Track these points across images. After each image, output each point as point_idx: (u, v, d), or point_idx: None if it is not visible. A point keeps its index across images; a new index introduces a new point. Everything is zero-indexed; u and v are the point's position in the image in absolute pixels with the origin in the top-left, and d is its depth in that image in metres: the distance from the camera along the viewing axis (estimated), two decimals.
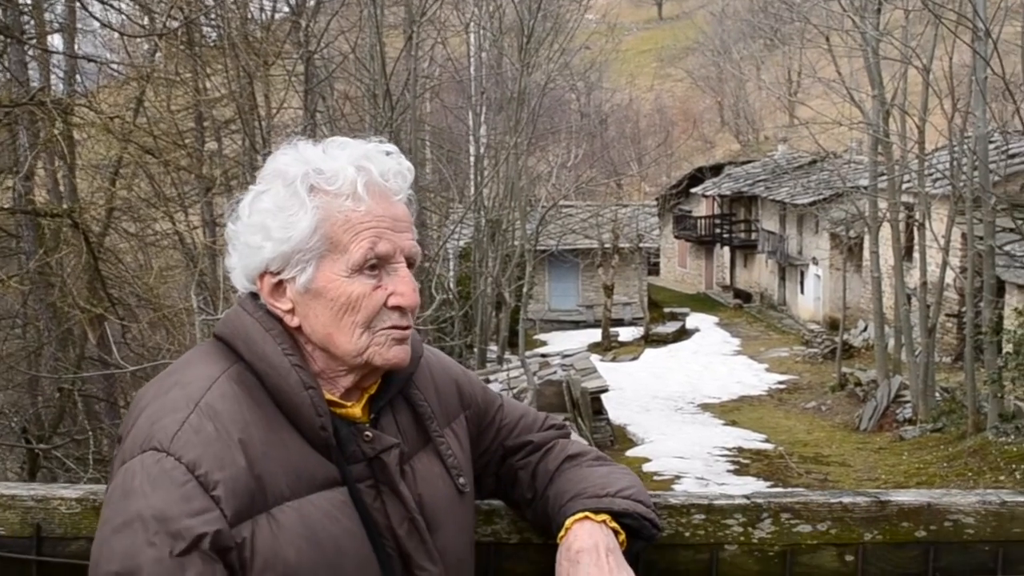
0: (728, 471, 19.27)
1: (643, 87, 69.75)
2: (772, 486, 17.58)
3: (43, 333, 11.65)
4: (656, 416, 25.96)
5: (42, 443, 9.71)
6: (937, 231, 23.41)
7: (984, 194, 19.87)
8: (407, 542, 1.63)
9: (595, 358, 29.81)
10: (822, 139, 29.34)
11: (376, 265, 1.60)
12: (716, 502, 1.90)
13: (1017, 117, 20.13)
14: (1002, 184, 22.69)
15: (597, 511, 1.71)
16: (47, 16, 13.23)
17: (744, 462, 20.10)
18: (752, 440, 22.57)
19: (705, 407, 27.86)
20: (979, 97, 19.73)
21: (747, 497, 1.91)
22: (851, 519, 1.88)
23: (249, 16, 14.82)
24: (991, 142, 21.64)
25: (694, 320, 42.02)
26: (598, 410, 22.40)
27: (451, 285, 24.63)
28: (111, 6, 12.72)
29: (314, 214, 1.59)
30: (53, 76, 13.46)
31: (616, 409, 24.51)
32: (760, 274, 46.93)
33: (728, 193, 47.95)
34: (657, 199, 51.29)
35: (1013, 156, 24.38)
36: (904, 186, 26.03)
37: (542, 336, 39.86)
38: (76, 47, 14.23)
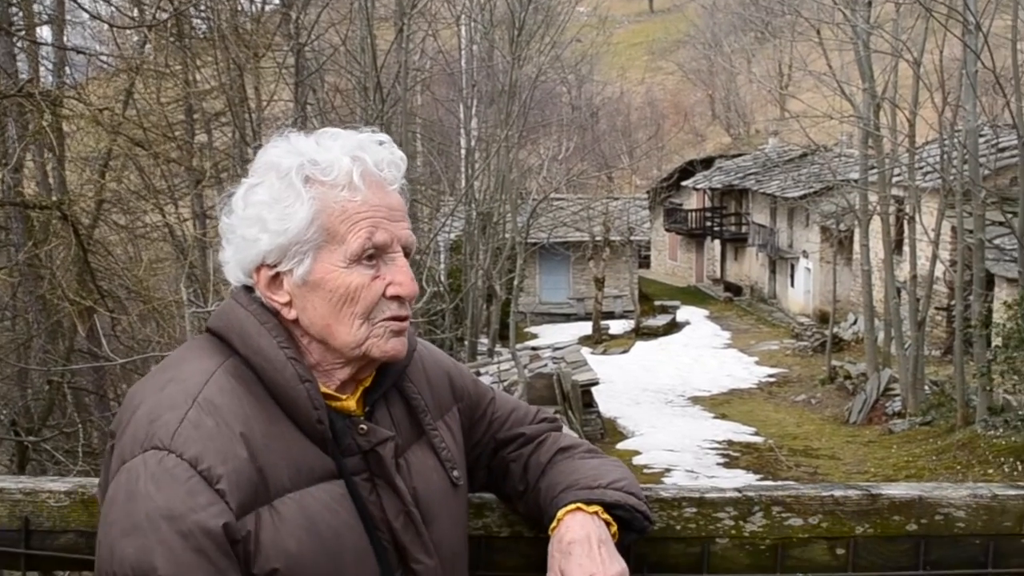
0: (718, 464, 19.32)
1: (634, 80, 69.73)
2: (762, 479, 17.63)
3: (32, 325, 11.60)
4: (646, 409, 26.01)
5: (31, 436, 9.67)
6: (927, 224, 23.47)
7: (974, 187, 19.94)
8: (403, 535, 1.63)
9: (586, 351, 29.81)
10: (813, 132, 29.38)
11: (374, 255, 1.60)
12: (707, 495, 1.90)
13: (1007, 111, 20.20)
14: (992, 178, 22.77)
15: (589, 502, 1.71)
16: (36, 7, 13.16)
17: (734, 455, 20.16)
18: (742, 433, 22.63)
19: (695, 400, 27.92)
20: (969, 91, 19.79)
21: (738, 490, 1.91)
22: (842, 513, 1.88)
23: (239, 8, 14.77)
24: (981, 136, 21.73)
25: (684, 313, 42.09)
26: (588, 403, 22.44)
27: (442, 278, 24.61)
28: None
29: (311, 205, 1.58)
30: (42, 68, 13.40)
31: (606, 402, 24.55)
32: (750, 267, 47.00)
33: (719, 186, 47.99)
34: (648, 192, 51.30)
35: (1003, 150, 24.46)
36: (894, 179, 26.10)
37: (533, 329, 39.88)
38: (65, 39, 14.17)
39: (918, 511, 1.88)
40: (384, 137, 1.68)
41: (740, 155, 52.25)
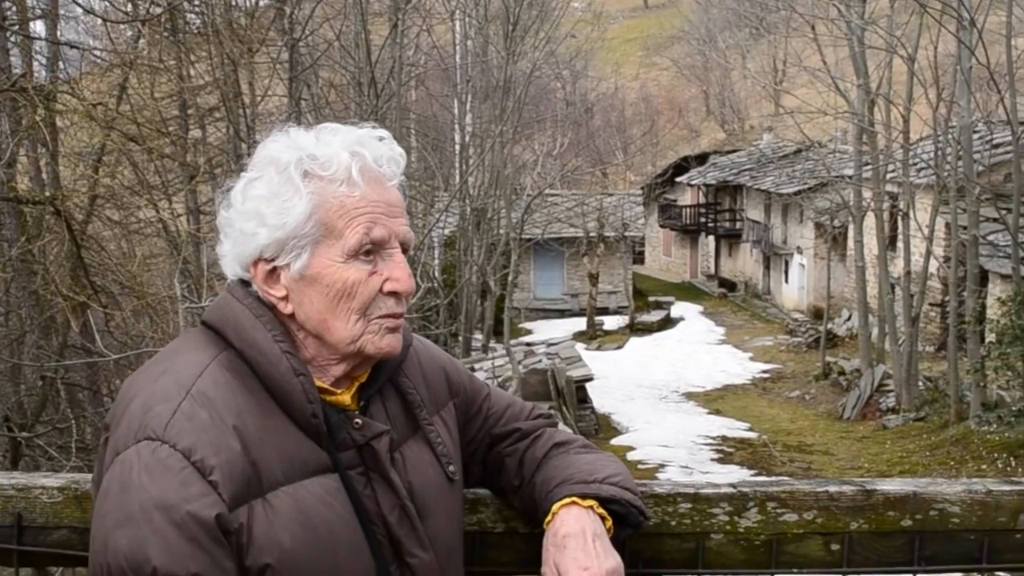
0: (712, 459, 19.35)
1: (629, 76, 69.71)
2: (756, 474, 17.66)
3: (25, 321, 11.58)
4: (641, 405, 26.05)
5: (24, 431, 9.65)
6: (921, 221, 23.50)
7: (968, 184, 19.97)
8: (398, 529, 1.62)
9: (580, 347, 29.85)
10: (807, 128, 29.42)
11: (371, 251, 1.60)
12: (702, 491, 1.90)
13: (1001, 107, 20.23)
14: (986, 174, 22.81)
15: (584, 496, 1.71)
16: (29, 2, 13.12)
17: (728, 451, 20.19)
18: (736, 429, 22.67)
19: (689, 396, 27.96)
20: (964, 87, 19.82)
21: (733, 486, 1.91)
22: (837, 508, 1.88)
23: (233, 3, 14.74)
24: (975, 132, 21.75)
25: (679, 309, 42.12)
26: (583, 399, 22.46)
27: (436, 273, 24.60)
28: None
29: (309, 199, 1.58)
30: (35, 63, 13.35)
31: (601, 398, 24.58)
32: (745, 263, 47.04)
33: (713, 182, 48.02)
34: (642, 188, 51.34)
35: (997, 146, 24.47)
36: (888, 176, 26.12)
37: (527, 325, 39.91)
38: (59, 33, 14.12)
39: (913, 507, 1.88)
40: (384, 133, 1.68)
41: (734, 151, 52.28)
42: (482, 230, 26.50)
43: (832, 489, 1.89)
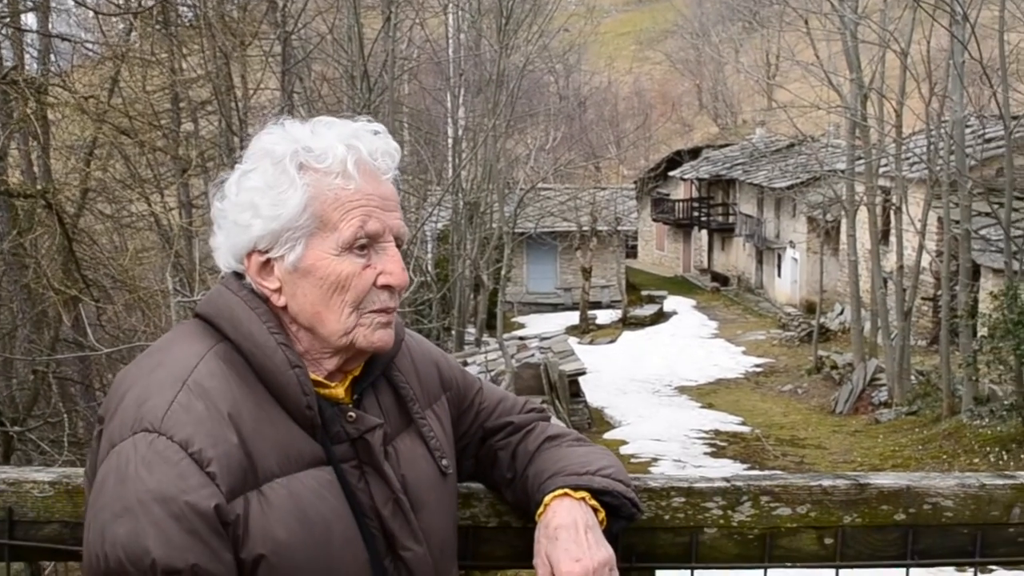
0: (705, 453, 19.37)
1: (622, 70, 69.58)
2: (748, 468, 17.69)
3: (17, 315, 11.55)
4: (633, 399, 26.07)
5: (16, 426, 9.63)
6: (914, 215, 23.53)
7: (960, 178, 20.00)
8: (391, 522, 1.62)
9: (573, 341, 29.86)
10: (800, 123, 29.41)
11: (366, 244, 1.60)
12: (696, 485, 1.89)
13: (994, 101, 20.26)
14: (978, 168, 22.83)
15: (576, 488, 1.71)
16: None
17: (721, 444, 20.21)
18: (729, 423, 22.69)
19: (682, 390, 27.98)
20: (956, 81, 19.83)
21: (727, 480, 1.91)
22: (831, 502, 1.88)
23: None
24: (968, 126, 21.79)
25: (672, 303, 42.15)
26: (576, 393, 22.48)
27: (429, 267, 24.59)
28: None
29: (304, 191, 1.58)
30: (27, 55, 13.31)
31: (593, 392, 24.60)
32: (737, 257, 47.09)
33: (706, 176, 48.03)
34: (635, 182, 51.33)
35: (989, 140, 24.52)
36: (881, 170, 26.15)
37: (520, 319, 39.92)
38: (50, 26, 14.07)
39: (906, 500, 1.88)
40: (379, 127, 1.68)
41: (727, 145, 52.31)
42: (475, 224, 26.47)
43: (826, 483, 1.89)
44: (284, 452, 1.54)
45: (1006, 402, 18.05)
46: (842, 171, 27.44)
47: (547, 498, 1.72)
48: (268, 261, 1.61)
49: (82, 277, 10.42)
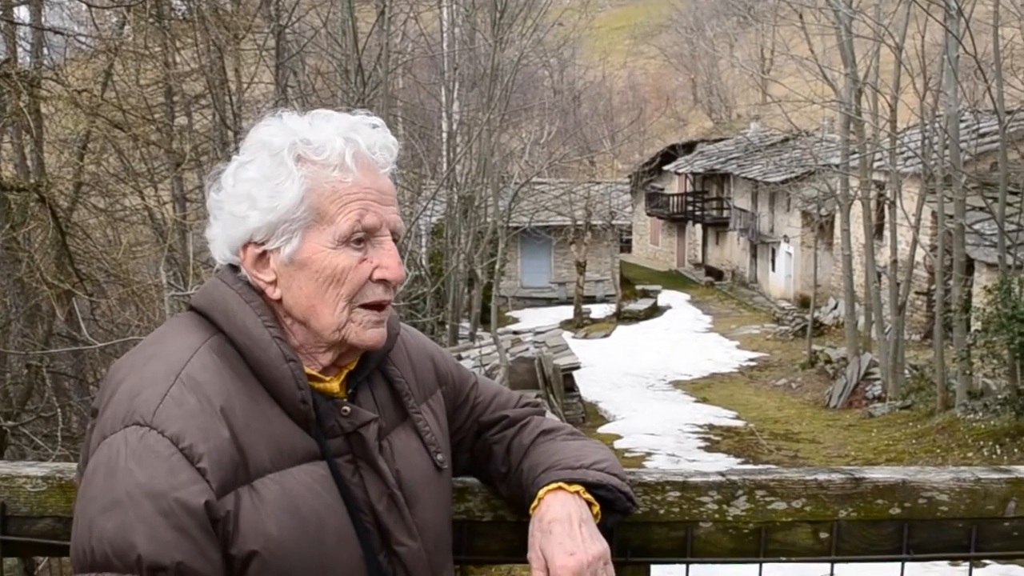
0: (699, 448, 19.38)
1: (616, 64, 69.62)
2: (743, 463, 17.70)
3: (10, 309, 11.52)
4: (627, 393, 26.08)
5: (10, 420, 9.62)
6: (908, 209, 23.55)
7: (955, 173, 20.01)
8: (386, 517, 1.62)
9: (567, 335, 29.88)
10: (794, 117, 29.40)
11: (362, 238, 1.59)
12: (691, 479, 1.89)
13: (988, 96, 20.27)
14: (972, 163, 22.84)
15: (571, 482, 1.71)
16: None
17: (715, 439, 20.22)
18: (723, 417, 22.71)
19: (676, 384, 28.01)
20: (951, 76, 19.85)
21: (722, 474, 1.91)
22: (826, 496, 1.88)
23: None
24: (962, 121, 21.77)
25: (666, 297, 42.18)
26: (570, 387, 22.48)
27: (423, 262, 24.58)
28: None
29: (301, 184, 1.58)
30: (20, 49, 13.26)
31: (588, 386, 24.61)
32: (732, 252, 47.11)
33: (700, 171, 48.05)
34: (630, 176, 51.35)
35: (984, 135, 24.51)
36: (875, 164, 26.15)
37: (514, 313, 39.93)
38: (43, 19, 14.03)
39: (901, 495, 1.88)
40: (377, 121, 1.68)
41: (722, 140, 52.32)
42: (469, 218, 26.46)
43: (821, 477, 1.89)
44: (277, 447, 1.53)
45: (1000, 396, 18.07)
46: (836, 166, 27.43)
47: (541, 492, 1.71)
48: (264, 253, 1.61)
49: (76, 271, 10.40)
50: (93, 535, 1.42)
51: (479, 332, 27.93)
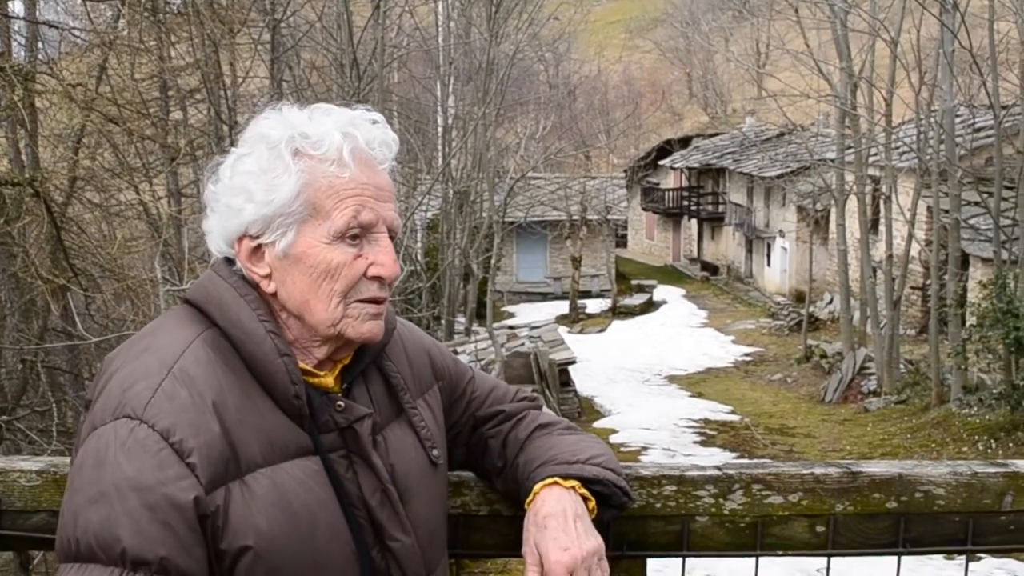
0: (695, 442, 19.40)
1: (611, 58, 69.63)
2: (738, 457, 17.72)
3: (5, 304, 11.50)
4: (623, 388, 26.10)
5: (4, 415, 9.60)
6: (903, 204, 23.57)
7: (950, 167, 20.04)
8: (379, 512, 1.61)
9: (563, 330, 29.91)
10: (790, 112, 29.42)
11: (358, 234, 1.59)
12: (687, 473, 1.89)
13: (984, 90, 20.29)
14: (968, 158, 22.89)
15: (566, 477, 1.71)
16: None
17: (710, 433, 20.24)
18: (718, 411, 22.73)
19: (672, 379, 28.03)
20: (946, 70, 19.87)
21: (718, 468, 1.91)
22: (822, 490, 1.88)
23: None
24: (957, 116, 21.82)
25: (661, 292, 42.21)
26: (565, 382, 22.49)
27: (419, 256, 24.56)
28: None
29: (298, 178, 1.57)
30: (14, 43, 13.23)
31: (583, 381, 24.62)
32: (727, 246, 47.14)
33: (696, 165, 48.06)
34: (625, 171, 51.36)
35: (979, 130, 24.57)
36: (871, 159, 26.17)
37: (510, 308, 39.93)
38: (37, 13, 14.00)
39: (898, 489, 1.88)
40: (377, 116, 1.67)
41: (717, 134, 52.35)
42: (465, 213, 26.45)
43: (817, 471, 1.89)
44: (269, 441, 1.52)
45: (994, 391, 18.10)
46: (832, 160, 27.46)
47: (537, 487, 1.71)
48: (259, 247, 1.60)
49: (70, 266, 10.38)
50: (78, 526, 1.41)
51: (475, 327, 27.94)
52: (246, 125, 1.68)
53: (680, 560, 1.91)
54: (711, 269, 47.49)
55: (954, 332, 20.07)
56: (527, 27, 28.48)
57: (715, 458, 17.39)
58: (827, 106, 31.07)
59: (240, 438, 1.49)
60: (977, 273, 22.80)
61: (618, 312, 38.82)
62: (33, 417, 10.20)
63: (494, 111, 26.81)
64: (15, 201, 10.81)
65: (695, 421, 21.46)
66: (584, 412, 22.27)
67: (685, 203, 49.91)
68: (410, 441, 1.71)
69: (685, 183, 50.16)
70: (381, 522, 1.61)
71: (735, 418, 21.95)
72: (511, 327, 28.28)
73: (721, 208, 47.43)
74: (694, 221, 50.14)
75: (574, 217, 39.14)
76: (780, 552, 1.89)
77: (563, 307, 39.12)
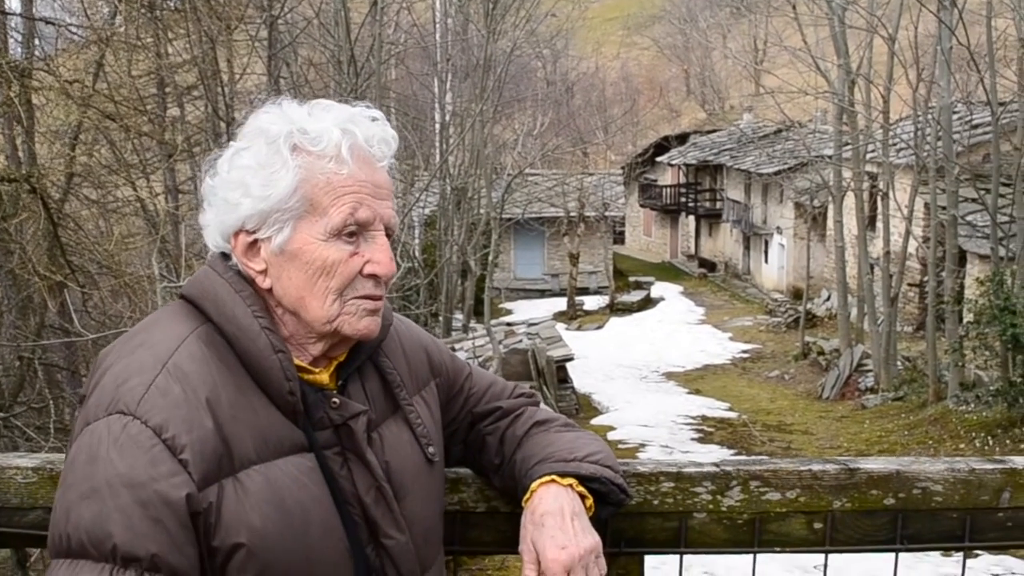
0: (692, 439, 19.41)
1: (609, 55, 69.54)
2: (736, 454, 17.73)
3: (2, 301, 11.48)
4: (621, 385, 26.11)
5: (1, 412, 9.59)
6: (900, 201, 23.57)
7: (947, 164, 20.04)
8: (374, 510, 1.61)
9: (560, 327, 29.88)
10: (788, 108, 29.41)
11: (355, 232, 1.58)
12: (685, 470, 1.89)
13: (981, 87, 20.29)
14: (965, 154, 22.88)
15: (564, 475, 1.70)
16: None
17: (708, 430, 20.25)
18: (716, 408, 22.74)
19: (669, 376, 28.03)
20: (944, 67, 19.86)
21: (716, 465, 1.90)
22: (820, 487, 1.88)
23: None
24: (955, 112, 21.81)
25: (659, 289, 42.21)
26: (563, 379, 22.49)
27: (416, 253, 24.55)
28: None
29: (295, 173, 1.56)
30: (10, 39, 13.20)
31: (581, 378, 24.63)
32: (725, 243, 47.15)
33: (693, 162, 48.05)
34: (623, 168, 51.32)
35: (976, 127, 24.57)
36: (868, 156, 26.18)
37: (507, 305, 39.92)
38: (34, 9, 13.97)
39: (896, 485, 1.88)
40: (377, 114, 1.66)
41: (715, 131, 52.34)
42: (462, 209, 26.42)
43: (815, 468, 1.89)
44: (263, 438, 1.52)
45: (992, 387, 18.10)
46: (829, 157, 27.46)
47: (534, 484, 1.71)
48: (255, 242, 1.59)
49: (67, 263, 10.37)
50: (70, 522, 1.41)
51: (472, 324, 27.93)
52: (244, 121, 1.67)
53: (678, 557, 1.91)
54: (709, 266, 47.49)
55: (951, 329, 20.07)
56: (525, 23, 28.44)
57: (713, 455, 17.40)
58: (825, 103, 31.06)
59: (234, 434, 1.48)
60: (974, 270, 22.81)
61: (616, 309, 38.83)
62: (30, 414, 10.19)
63: (492, 108, 26.78)
64: (12, 197, 10.80)
65: (693, 418, 21.47)
66: (582, 409, 22.28)
67: (683, 200, 49.91)
68: (406, 438, 1.70)
69: (683, 180, 50.15)
70: (375, 520, 1.61)
71: (733, 415, 21.96)
72: (509, 324, 28.27)
73: (719, 205, 47.42)
74: (692, 218, 50.14)
75: (572, 214, 39.14)
76: (778, 549, 1.89)
77: (561, 304, 39.12)
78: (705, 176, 48.79)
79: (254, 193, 1.57)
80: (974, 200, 21.26)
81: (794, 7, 26.46)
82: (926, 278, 23.71)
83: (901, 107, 24.80)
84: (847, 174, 25.95)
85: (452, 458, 1.87)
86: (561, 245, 40.91)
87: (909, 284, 27.07)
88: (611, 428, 20.13)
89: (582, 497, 1.70)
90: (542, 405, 1.93)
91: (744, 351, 31.26)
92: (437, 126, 27.77)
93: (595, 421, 20.96)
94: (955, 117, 22.16)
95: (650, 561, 1.91)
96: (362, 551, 1.59)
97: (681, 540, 1.88)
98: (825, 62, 25.82)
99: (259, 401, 1.54)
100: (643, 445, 18.64)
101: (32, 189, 9.59)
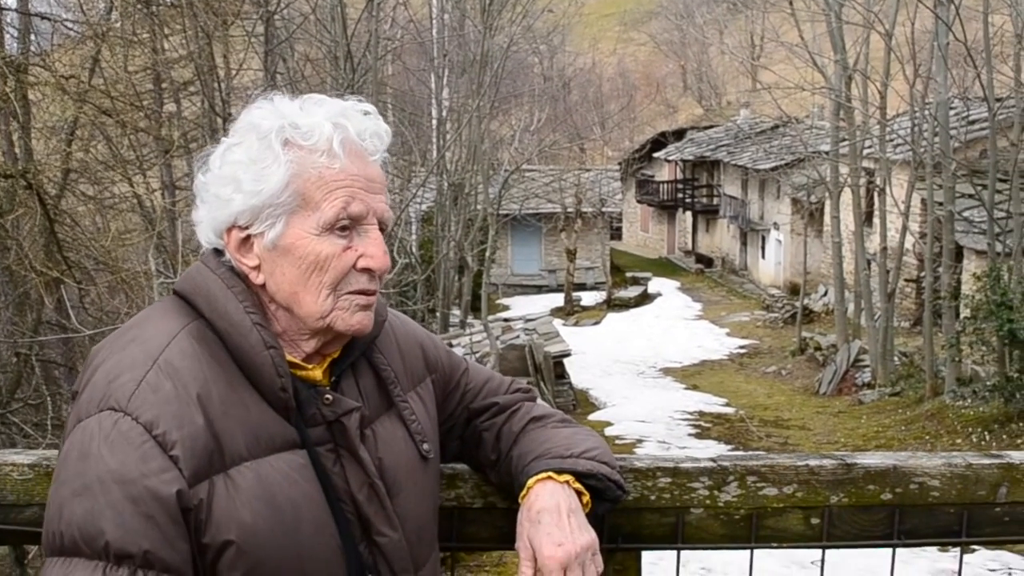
0: (689, 435, 19.41)
1: (606, 51, 69.60)
2: (733, 449, 17.74)
3: None
4: (618, 380, 26.11)
5: None
6: (897, 196, 23.58)
7: (944, 160, 20.03)
8: (366, 507, 1.60)
9: (558, 323, 29.89)
10: (784, 104, 29.40)
11: (347, 226, 1.57)
12: (682, 465, 1.88)
13: (978, 83, 20.29)
14: (962, 150, 22.87)
15: (560, 471, 1.70)
16: None
17: (705, 426, 20.25)
18: (713, 404, 22.75)
19: (667, 371, 28.05)
20: (940, 63, 19.85)
21: (713, 460, 1.90)
22: (817, 482, 1.87)
23: None
24: (952, 108, 21.80)
25: (656, 285, 42.22)
26: (560, 374, 22.49)
27: (413, 249, 24.55)
28: None
29: (287, 168, 1.55)
30: (6, 35, 13.19)
31: (578, 373, 24.63)
32: (722, 239, 47.15)
33: (690, 158, 48.05)
34: (620, 164, 51.35)
35: (973, 122, 24.56)
36: (865, 151, 26.18)
37: (505, 301, 39.91)
38: (30, 5, 13.95)
39: (893, 480, 1.88)
40: (369, 107, 1.65)
41: (712, 127, 52.31)
42: (459, 205, 26.44)
43: (812, 463, 1.89)
44: (254, 435, 1.51)
45: (988, 383, 18.12)
46: (826, 153, 27.46)
47: (530, 481, 1.70)
48: (248, 238, 1.59)
49: (64, 259, 10.36)
50: (63, 519, 1.41)
51: (469, 320, 27.93)
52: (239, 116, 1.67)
53: (675, 552, 1.91)
54: (706, 262, 47.50)
55: (948, 324, 20.09)
56: (521, 19, 28.45)
57: (710, 450, 17.41)
58: (822, 98, 31.06)
59: (225, 431, 1.48)
60: (971, 265, 22.83)
61: (613, 305, 38.84)
62: (27, 411, 10.19)
63: (488, 103, 26.80)
64: (8, 193, 10.79)
65: (690, 413, 21.48)
66: (579, 404, 22.28)
67: (680, 195, 49.89)
68: (400, 435, 1.69)
69: (680, 175, 50.14)
70: (368, 517, 1.60)
71: (730, 410, 21.97)
72: (506, 320, 28.26)
73: (716, 200, 47.41)
74: (689, 213, 50.14)
75: (569, 210, 39.14)
76: (775, 544, 1.89)
77: (558, 300, 39.13)
78: (702, 172, 48.78)
79: (246, 188, 1.56)
80: (971, 196, 21.26)
81: (791, 3, 26.48)
82: (923, 274, 23.73)
83: (898, 103, 24.82)
84: (844, 170, 25.95)
85: (449, 454, 1.87)
86: (558, 241, 40.91)
87: (906, 280, 27.09)
88: (608, 424, 20.13)
89: (579, 493, 1.69)
90: (539, 401, 1.92)
91: (741, 347, 31.28)
92: (434, 122, 27.76)
93: (592, 417, 20.97)
94: (952, 113, 22.16)
95: (647, 557, 1.91)
96: (354, 548, 1.59)
97: (678, 536, 1.87)
98: (822, 58, 25.82)
99: (251, 397, 1.53)
100: (640, 441, 18.64)
101: (28, 185, 9.57)
